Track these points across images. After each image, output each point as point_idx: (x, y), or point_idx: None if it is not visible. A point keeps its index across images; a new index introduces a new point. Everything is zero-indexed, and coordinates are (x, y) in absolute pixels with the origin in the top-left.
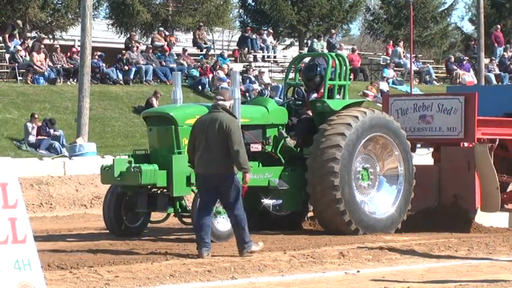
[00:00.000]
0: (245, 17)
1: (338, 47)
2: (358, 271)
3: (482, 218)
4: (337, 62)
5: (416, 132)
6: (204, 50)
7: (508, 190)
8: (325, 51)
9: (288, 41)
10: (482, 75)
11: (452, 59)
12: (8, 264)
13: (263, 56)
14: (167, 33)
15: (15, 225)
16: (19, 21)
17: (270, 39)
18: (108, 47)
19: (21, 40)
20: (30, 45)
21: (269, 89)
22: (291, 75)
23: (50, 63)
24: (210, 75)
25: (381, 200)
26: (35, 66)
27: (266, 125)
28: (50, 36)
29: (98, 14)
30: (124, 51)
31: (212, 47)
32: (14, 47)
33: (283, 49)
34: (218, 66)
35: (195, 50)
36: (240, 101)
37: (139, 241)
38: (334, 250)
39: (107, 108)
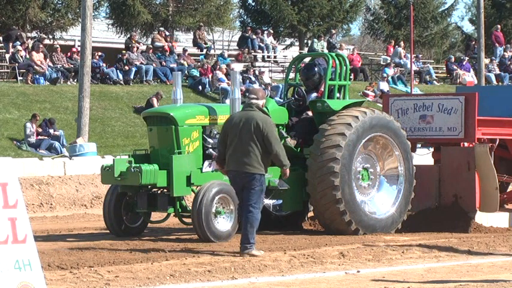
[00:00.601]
0: (245, 17)
1: (339, 47)
2: (358, 271)
3: (482, 218)
4: (337, 62)
5: (417, 132)
6: (204, 50)
7: (508, 190)
8: (326, 51)
9: (288, 41)
10: (483, 75)
11: (453, 59)
12: (8, 264)
13: (263, 56)
14: (167, 33)
15: (15, 225)
16: (23, 34)
17: (270, 39)
18: (108, 47)
19: (21, 40)
20: (30, 45)
21: (269, 89)
22: (291, 75)
23: (50, 63)
24: (210, 75)
25: (381, 200)
26: (35, 66)
27: None
28: (50, 36)
29: (98, 14)
30: (124, 52)
31: (212, 47)
32: (14, 47)
33: (284, 49)
34: (218, 66)
35: (195, 50)
36: (240, 101)
37: (140, 241)
38: (334, 250)
39: (107, 108)
